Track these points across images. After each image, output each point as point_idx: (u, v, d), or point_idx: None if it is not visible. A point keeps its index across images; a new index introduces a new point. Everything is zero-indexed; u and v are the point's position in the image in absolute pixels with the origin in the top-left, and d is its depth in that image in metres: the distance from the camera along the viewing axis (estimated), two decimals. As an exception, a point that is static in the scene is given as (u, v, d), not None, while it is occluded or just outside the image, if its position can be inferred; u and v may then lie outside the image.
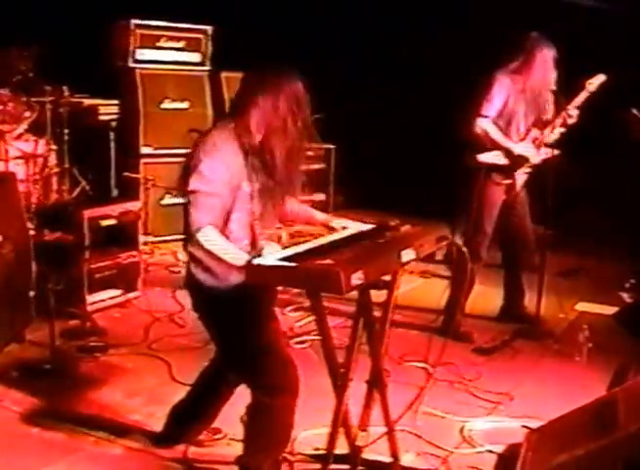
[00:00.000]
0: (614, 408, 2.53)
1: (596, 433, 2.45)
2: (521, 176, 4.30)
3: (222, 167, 2.42)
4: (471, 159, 4.20)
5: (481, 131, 4.12)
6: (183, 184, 2.46)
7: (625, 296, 5.09)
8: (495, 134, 4.15)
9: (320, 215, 2.87)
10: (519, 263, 4.51)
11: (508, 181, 4.25)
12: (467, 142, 4.21)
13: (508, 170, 4.24)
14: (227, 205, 2.44)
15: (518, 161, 4.23)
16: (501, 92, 4.14)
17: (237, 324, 2.52)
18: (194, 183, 2.41)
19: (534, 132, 4.27)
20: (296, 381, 2.53)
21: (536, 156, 4.26)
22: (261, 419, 2.54)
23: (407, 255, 2.37)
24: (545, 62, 4.13)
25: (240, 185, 2.46)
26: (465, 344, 4.11)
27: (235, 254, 2.34)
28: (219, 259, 2.37)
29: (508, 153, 4.20)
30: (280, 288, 2.84)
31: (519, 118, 4.23)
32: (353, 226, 2.73)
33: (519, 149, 4.21)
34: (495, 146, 4.17)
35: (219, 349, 2.70)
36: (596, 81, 4.23)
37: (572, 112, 4.25)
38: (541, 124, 4.28)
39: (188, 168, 2.46)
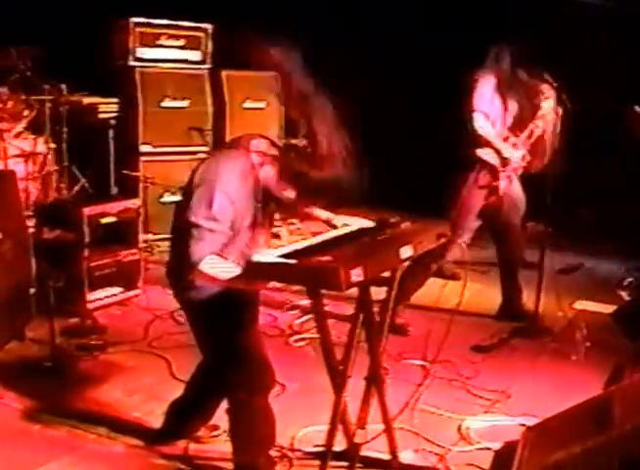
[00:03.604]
0: (610, 406, 2.54)
1: (592, 431, 2.46)
2: (503, 180, 4.34)
3: (230, 206, 2.44)
4: (468, 151, 4.25)
5: (479, 127, 4.17)
6: (187, 206, 2.46)
7: (624, 294, 5.10)
8: (490, 132, 4.21)
9: (323, 213, 2.89)
10: (511, 262, 4.55)
11: (494, 183, 4.31)
12: (463, 138, 4.25)
13: (495, 172, 4.30)
14: (229, 236, 2.45)
15: (504, 163, 4.30)
16: (488, 88, 4.20)
17: (218, 325, 2.55)
18: (200, 218, 2.41)
19: (512, 138, 4.35)
20: (271, 377, 2.62)
21: (518, 161, 4.34)
22: (244, 416, 2.60)
23: (406, 251, 2.39)
24: (506, 70, 4.20)
25: (242, 220, 2.49)
26: (402, 336, 4.09)
27: (234, 270, 2.34)
28: (222, 281, 2.36)
29: (498, 153, 4.27)
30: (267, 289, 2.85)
31: (501, 120, 4.29)
32: (355, 223, 2.75)
33: (507, 151, 4.28)
34: (488, 144, 4.24)
35: (202, 348, 2.71)
36: (546, 105, 4.28)
37: (539, 122, 4.33)
38: (515, 130, 4.36)
39: (195, 190, 2.46)
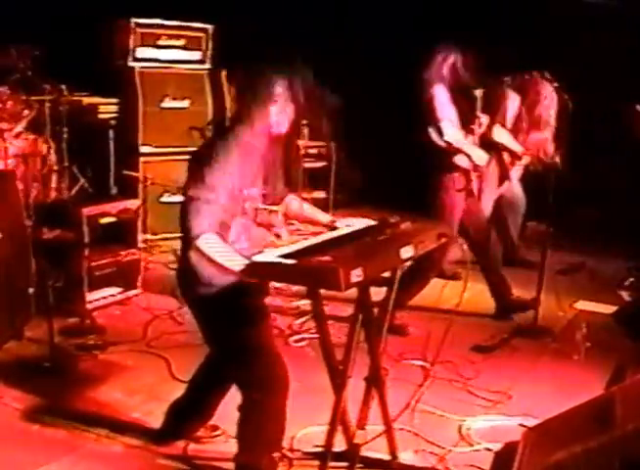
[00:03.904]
0: (611, 407, 2.53)
1: (593, 431, 2.45)
2: (476, 181, 4.43)
3: (224, 174, 2.44)
4: (442, 158, 4.27)
5: (449, 136, 4.22)
6: (185, 187, 2.48)
7: (625, 294, 5.09)
8: (460, 138, 4.28)
9: (324, 217, 2.88)
10: (490, 263, 4.55)
11: (469, 186, 4.37)
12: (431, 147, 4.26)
13: (468, 174, 4.37)
14: (227, 211, 2.45)
15: (474, 165, 4.38)
16: (444, 94, 4.23)
17: (229, 323, 2.54)
18: (196, 190, 2.42)
19: (470, 136, 4.41)
20: (285, 378, 2.56)
21: (485, 162, 4.43)
22: (254, 416, 2.57)
23: (407, 251, 2.38)
24: (454, 69, 4.23)
25: (240, 191, 2.49)
26: (401, 337, 4.07)
27: (235, 258, 2.34)
28: (218, 265, 2.37)
29: (468, 157, 4.32)
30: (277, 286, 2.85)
31: (458, 122, 4.33)
32: (356, 224, 2.75)
33: (476, 155, 4.33)
34: (458, 150, 4.28)
35: (212, 347, 2.71)
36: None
37: (483, 119, 4.43)
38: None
39: (192, 171, 2.48)
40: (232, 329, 2.55)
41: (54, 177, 5.36)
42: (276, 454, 2.78)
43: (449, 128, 4.20)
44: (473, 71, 4.24)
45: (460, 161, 4.31)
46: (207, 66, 6.32)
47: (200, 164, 2.47)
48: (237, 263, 2.31)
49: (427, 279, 4.35)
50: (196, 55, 6.24)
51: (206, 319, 2.63)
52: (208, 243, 2.37)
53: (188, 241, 2.43)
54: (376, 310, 2.65)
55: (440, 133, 4.19)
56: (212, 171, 2.43)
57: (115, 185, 5.98)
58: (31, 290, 3.89)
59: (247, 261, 2.29)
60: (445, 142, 4.21)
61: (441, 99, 4.19)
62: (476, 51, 4.21)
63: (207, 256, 2.37)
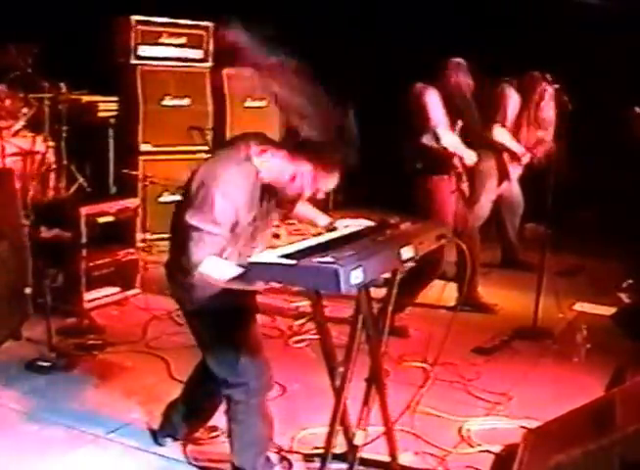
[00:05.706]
0: (611, 409, 2.53)
1: (593, 433, 2.45)
2: (465, 183, 4.47)
3: (231, 209, 2.38)
4: (437, 164, 4.31)
5: (446, 143, 4.24)
6: (186, 208, 2.42)
7: (624, 296, 5.09)
8: (455, 142, 4.29)
9: (323, 219, 2.87)
10: (475, 262, 4.56)
11: (461, 187, 4.43)
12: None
13: (461, 176, 4.42)
14: (229, 241, 2.42)
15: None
16: (437, 98, 4.27)
17: (215, 326, 2.54)
18: (200, 220, 2.35)
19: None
20: (269, 380, 2.62)
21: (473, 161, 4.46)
22: (241, 417, 2.59)
23: (407, 252, 2.36)
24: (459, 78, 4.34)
25: (242, 221, 2.45)
26: (402, 338, 4.06)
27: (234, 271, 2.30)
28: (220, 281, 2.33)
29: (461, 159, 4.38)
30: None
31: None
32: (356, 225, 2.73)
33: (466, 154, 4.35)
34: (453, 154, 4.31)
35: (201, 349, 2.69)
36: None
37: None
38: None
39: (195, 192, 2.40)
40: (217, 332, 2.56)
41: (52, 176, 5.35)
42: (274, 455, 2.78)
43: (445, 134, 4.21)
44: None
45: (456, 162, 4.32)
46: (208, 64, 6.30)
47: (208, 186, 2.37)
48: (236, 270, 2.29)
49: (428, 280, 4.31)
50: (197, 53, 6.21)
51: (194, 321, 2.63)
52: (208, 268, 2.33)
53: (188, 267, 2.38)
54: (376, 310, 2.63)
55: (437, 138, 4.19)
56: (220, 202, 2.35)
57: (115, 184, 5.96)
58: (29, 289, 3.87)
59: (245, 265, 2.27)
60: (442, 147, 4.20)
61: (434, 104, 4.20)
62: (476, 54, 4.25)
63: (211, 278, 2.33)
